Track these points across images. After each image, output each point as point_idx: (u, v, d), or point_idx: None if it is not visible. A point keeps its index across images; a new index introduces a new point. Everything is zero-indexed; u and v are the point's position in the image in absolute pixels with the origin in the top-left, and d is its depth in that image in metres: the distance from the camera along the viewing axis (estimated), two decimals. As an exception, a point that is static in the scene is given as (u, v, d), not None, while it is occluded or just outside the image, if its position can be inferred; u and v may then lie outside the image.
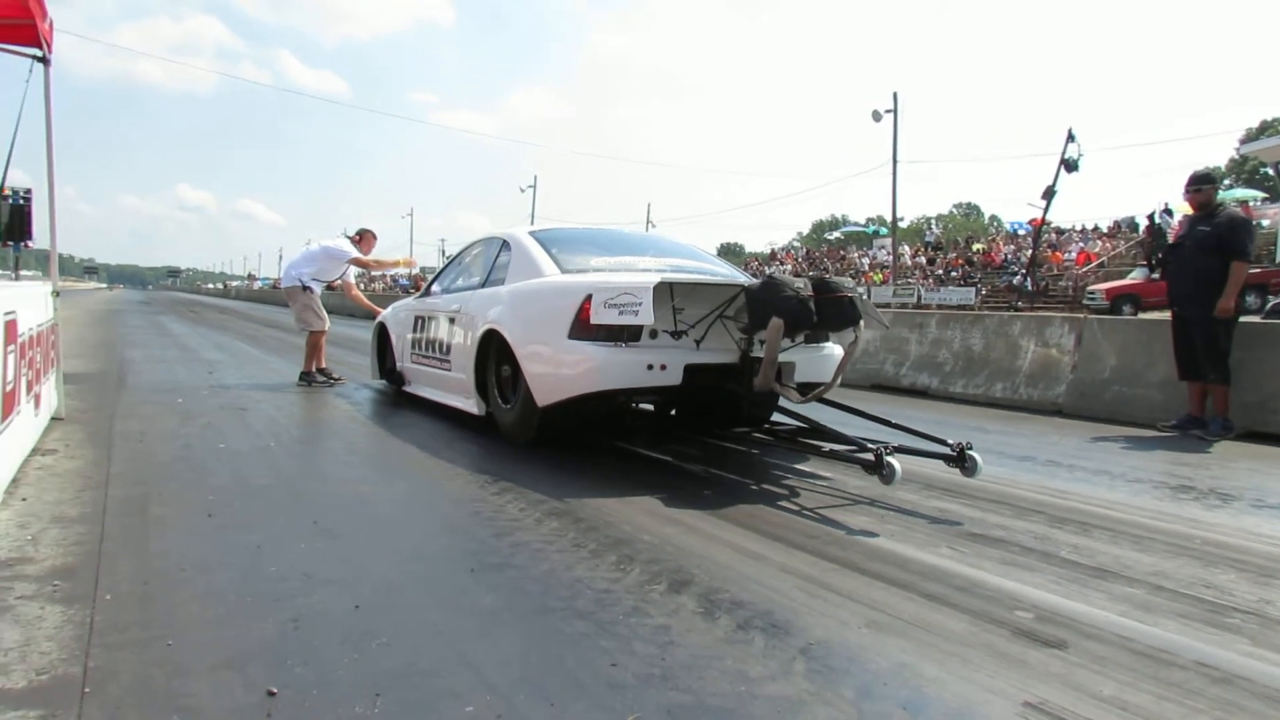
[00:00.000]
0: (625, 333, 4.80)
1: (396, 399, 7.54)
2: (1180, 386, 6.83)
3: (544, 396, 5.04)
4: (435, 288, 7.31)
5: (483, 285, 6.23)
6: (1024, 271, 28.75)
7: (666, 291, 4.90)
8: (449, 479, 4.47)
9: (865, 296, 4.98)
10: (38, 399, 5.07)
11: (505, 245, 6.21)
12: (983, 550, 3.42)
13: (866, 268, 40.94)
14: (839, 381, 5.02)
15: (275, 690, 2.09)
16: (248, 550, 3.14)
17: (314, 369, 8.40)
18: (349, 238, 8.78)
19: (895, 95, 36.38)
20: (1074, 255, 32.39)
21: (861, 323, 4.78)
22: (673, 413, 6.49)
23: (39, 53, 5.28)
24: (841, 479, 4.63)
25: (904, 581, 3.01)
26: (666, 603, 2.72)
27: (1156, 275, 7.38)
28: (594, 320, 4.66)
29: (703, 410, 6.07)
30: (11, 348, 4.06)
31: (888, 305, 29.12)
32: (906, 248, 42.71)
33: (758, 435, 5.53)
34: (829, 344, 5.53)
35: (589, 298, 4.72)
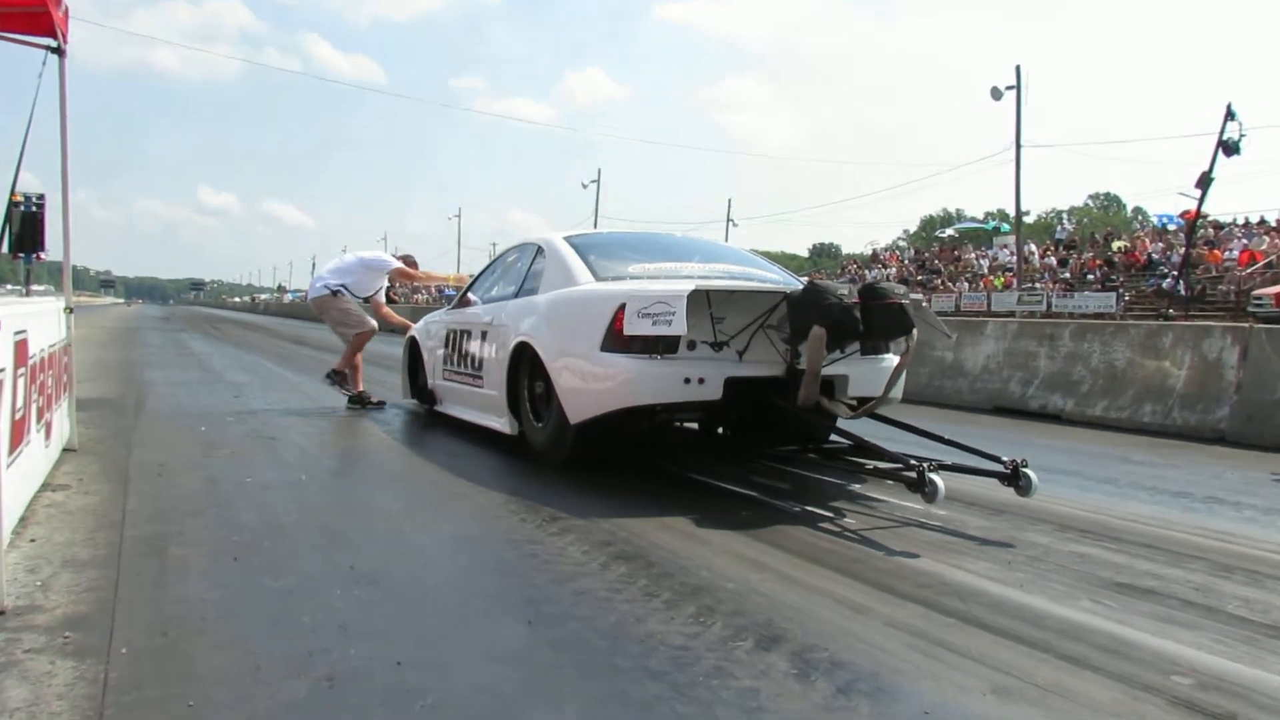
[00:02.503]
0: (661, 344, 5.00)
1: (434, 422, 7.70)
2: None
3: (576, 413, 5.28)
4: (469, 298, 7.58)
5: (516, 295, 6.51)
6: (1176, 273, 27.97)
7: (703, 299, 5.11)
8: (501, 516, 4.50)
9: (923, 303, 5.22)
10: (49, 428, 5.26)
11: (540, 251, 6.52)
12: (1132, 603, 3.32)
13: (986, 270, 40.26)
14: (894, 396, 5.22)
15: (307, 757, 2.11)
16: (277, 597, 3.20)
17: (357, 384, 8.60)
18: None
19: (1018, 69, 35.83)
20: (1236, 254, 31.38)
21: (915, 332, 4.93)
22: (720, 431, 6.66)
23: (53, 43, 5.47)
24: (959, 518, 4.55)
25: (1037, 640, 2.93)
26: (754, 662, 2.69)
27: None
28: (627, 331, 4.93)
29: (753, 428, 6.20)
30: (21, 371, 4.21)
31: (1012, 314, 28.60)
32: (1033, 247, 41.85)
33: (811, 455, 5.72)
34: (889, 355, 5.68)
35: (622, 307, 4.97)
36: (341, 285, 8.61)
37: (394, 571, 3.56)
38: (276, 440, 6.61)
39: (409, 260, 9.19)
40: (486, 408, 6.62)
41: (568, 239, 6.47)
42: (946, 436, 5.05)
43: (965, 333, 10.41)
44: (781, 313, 5.11)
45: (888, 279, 40.05)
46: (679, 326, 4.79)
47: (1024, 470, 4.49)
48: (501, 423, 6.28)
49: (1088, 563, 3.84)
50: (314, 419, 7.81)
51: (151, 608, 3.07)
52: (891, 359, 5.65)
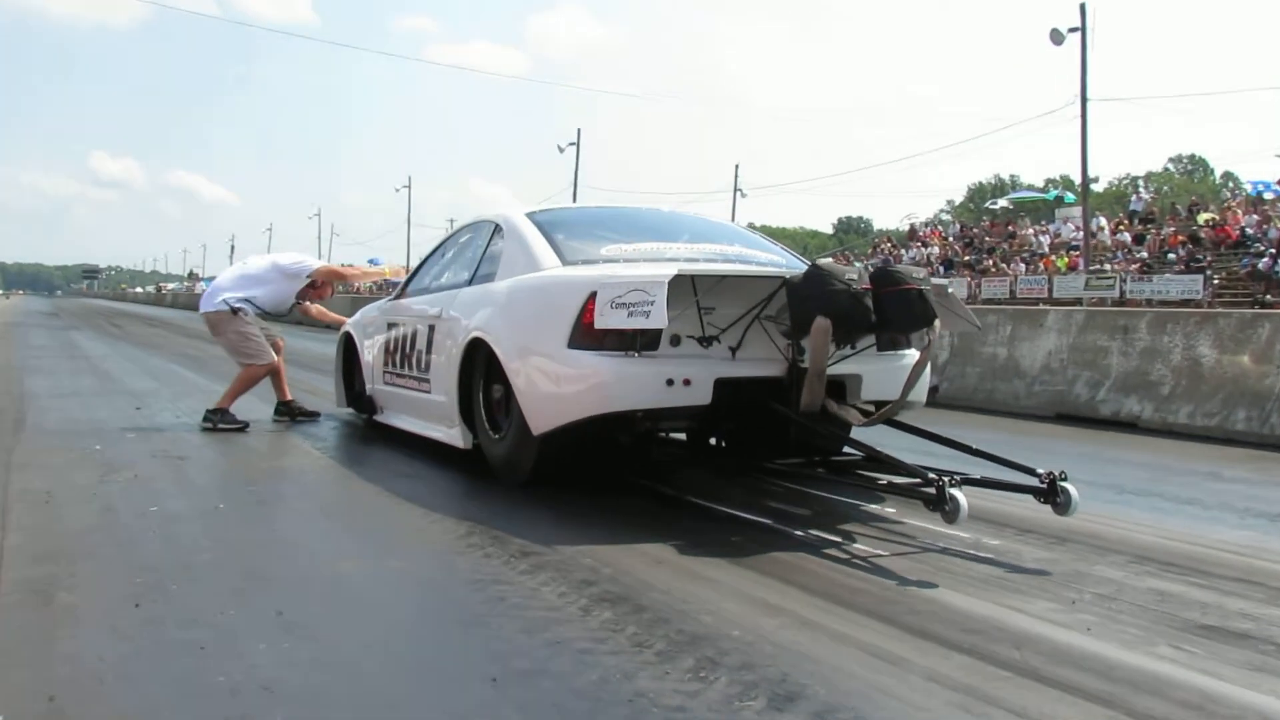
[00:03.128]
0: (638, 339, 5.04)
1: (374, 435, 7.76)
2: None
3: (540, 422, 5.30)
4: (413, 286, 7.65)
5: (470, 282, 6.57)
6: (1274, 251, 28.10)
7: (689, 286, 5.13)
8: (460, 551, 4.51)
9: (949, 289, 5.28)
10: (-90, 447, 5.24)
11: (498, 230, 6.60)
12: (1220, 649, 3.33)
13: (1046, 249, 40.37)
14: (916, 399, 5.34)
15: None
16: (188, 652, 3.18)
17: (283, 391, 8.53)
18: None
19: (1083, 7, 35.94)
20: (1346, 226, 31.52)
21: (937, 323, 5.00)
22: (712, 442, 6.68)
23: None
24: (1013, 548, 4.56)
25: (1106, 695, 2.93)
26: (765, 726, 2.69)
27: None
28: (598, 324, 4.95)
29: (751, 438, 6.21)
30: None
31: (1078, 302, 28.66)
32: (1103, 220, 41.99)
33: (820, 469, 5.76)
34: (910, 351, 5.75)
35: (593, 296, 5.00)
36: (246, 301, 8.27)
37: (330, 620, 3.55)
38: (188, 460, 6.59)
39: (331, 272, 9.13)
40: (435, 417, 6.64)
41: (530, 216, 6.52)
42: (975, 446, 5.13)
43: (1022, 324, 10.45)
44: (781, 301, 5.13)
45: (928, 259, 40.20)
46: (659, 318, 4.77)
47: (1062, 484, 4.52)
48: (453, 434, 6.30)
49: (1168, 601, 3.85)
50: (232, 435, 7.78)
51: (36, 666, 3.05)
52: (913, 355, 5.67)
